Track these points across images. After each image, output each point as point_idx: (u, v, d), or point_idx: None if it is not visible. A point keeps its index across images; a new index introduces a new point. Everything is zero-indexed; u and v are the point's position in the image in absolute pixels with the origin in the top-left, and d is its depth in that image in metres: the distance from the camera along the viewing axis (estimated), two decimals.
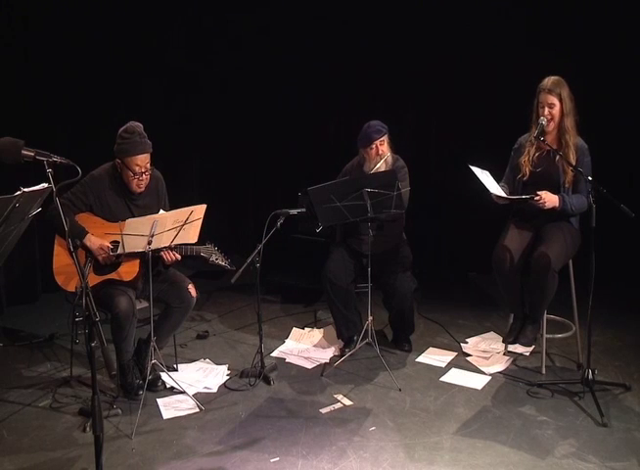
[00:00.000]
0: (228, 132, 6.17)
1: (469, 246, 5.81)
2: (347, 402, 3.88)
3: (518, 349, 4.37)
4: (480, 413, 3.73)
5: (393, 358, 4.40)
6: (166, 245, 3.73)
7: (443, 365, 4.30)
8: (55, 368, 4.29)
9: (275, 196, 6.08)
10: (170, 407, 3.81)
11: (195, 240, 3.82)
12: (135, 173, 3.81)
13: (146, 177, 3.86)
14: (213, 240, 4.00)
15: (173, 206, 3.96)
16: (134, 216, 3.77)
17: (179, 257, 3.86)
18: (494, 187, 3.95)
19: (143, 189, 3.90)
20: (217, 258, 3.97)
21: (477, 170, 3.92)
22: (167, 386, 3.99)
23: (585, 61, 5.18)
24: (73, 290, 3.77)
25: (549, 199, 3.93)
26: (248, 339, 4.76)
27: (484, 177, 3.94)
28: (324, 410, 3.80)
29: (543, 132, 3.96)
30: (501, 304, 5.00)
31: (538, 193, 3.92)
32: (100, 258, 3.79)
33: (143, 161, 3.80)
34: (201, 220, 3.74)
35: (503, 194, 3.99)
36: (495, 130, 5.42)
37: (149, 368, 3.78)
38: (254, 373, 4.11)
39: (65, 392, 3.96)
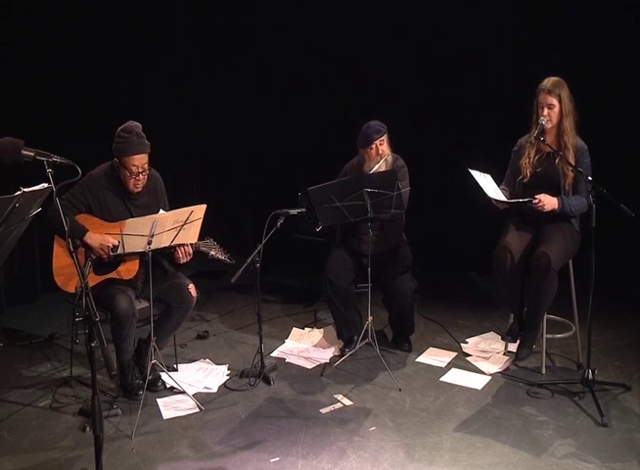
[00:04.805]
0: (228, 132, 6.17)
1: (469, 246, 5.81)
2: (347, 402, 3.88)
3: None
4: (479, 413, 3.73)
5: (393, 358, 4.39)
6: (166, 245, 3.73)
7: (443, 365, 4.30)
8: (55, 368, 4.28)
9: (275, 196, 6.08)
10: (170, 407, 3.81)
11: (195, 240, 3.83)
12: (132, 173, 3.80)
13: (143, 177, 3.85)
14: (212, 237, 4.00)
15: (173, 206, 3.96)
16: (133, 216, 3.76)
17: (191, 252, 3.85)
18: (493, 191, 3.95)
19: (140, 189, 3.89)
20: (217, 253, 3.96)
21: (476, 174, 3.91)
22: (167, 386, 3.99)
23: (585, 60, 5.17)
24: (73, 290, 3.76)
25: (548, 202, 3.93)
26: (248, 339, 4.75)
27: (484, 181, 3.93)
28: (324, 410, 3.80)
29: (543, 132, 3.96)
30: (501, 303, 5.00)
31: (537, 196, 3.92)
32: (102, 254, 3.77)
33: (140, 161, 3.79)
34: (201, 220, 3.73)
35: (502, 198, 3.98)
36: (495, 130, 5.42)
37: (149, 368, 3.77)
38: (254, 373, 4.11)
39: (65, 392, 3.97)
